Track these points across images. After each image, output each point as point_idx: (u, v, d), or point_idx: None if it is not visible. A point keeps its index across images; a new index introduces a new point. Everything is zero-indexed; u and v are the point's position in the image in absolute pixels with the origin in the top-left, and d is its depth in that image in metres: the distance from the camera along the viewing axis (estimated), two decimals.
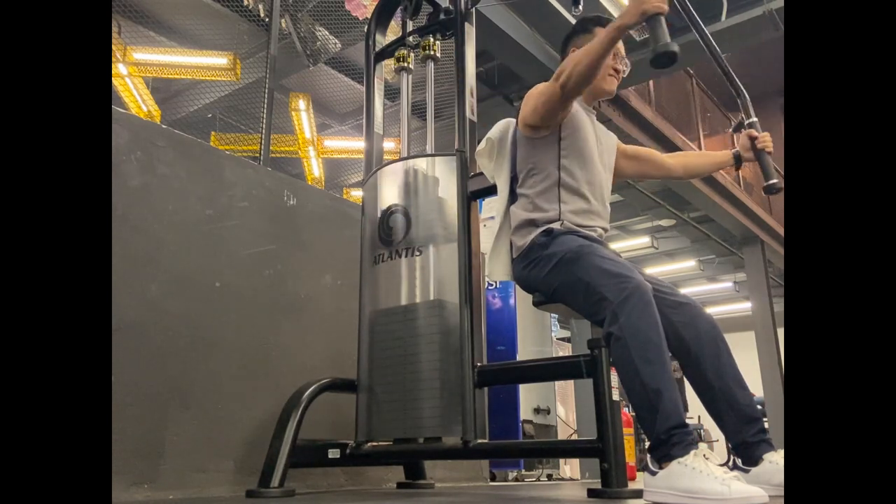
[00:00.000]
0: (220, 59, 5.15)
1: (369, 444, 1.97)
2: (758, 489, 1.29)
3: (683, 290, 2.76)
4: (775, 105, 12.15)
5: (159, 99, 5.71)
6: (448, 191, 2.00)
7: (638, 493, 1.49)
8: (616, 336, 1.49)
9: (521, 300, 4.90)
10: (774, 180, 1.91)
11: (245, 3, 4.67)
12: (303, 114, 5.87)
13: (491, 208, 2.02)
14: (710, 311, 3.03)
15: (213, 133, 5.85)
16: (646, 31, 1.55)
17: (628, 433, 4.57)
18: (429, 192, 2.05)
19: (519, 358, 4.62)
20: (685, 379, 1.75)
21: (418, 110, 3.80)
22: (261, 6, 4.65)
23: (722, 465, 1.38)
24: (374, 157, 2.34)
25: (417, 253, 1.96)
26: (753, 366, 8.38)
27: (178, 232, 2.05)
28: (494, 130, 1.97)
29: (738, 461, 1.64)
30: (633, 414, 3.88)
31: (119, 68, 4.95)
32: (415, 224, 2.00)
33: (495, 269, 1.89)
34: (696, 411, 6.64)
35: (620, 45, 1.88)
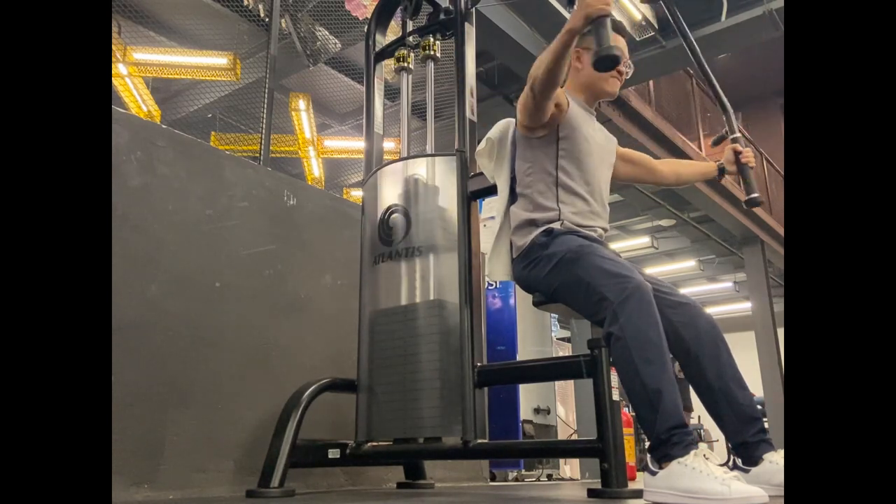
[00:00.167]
0: (220, 59, 5.15)
1: (369, 444, 1.97)
2: (758, 489, 1.30)
3: (683, 290, 2.76)
4: (775, 105, 12.15)
5: (159, 99, 5.71)
6: (448, 191, 2.00)
7: (638, 493, 1.49)
8: (616, 336, 1.49)
9: (521, 300, 4.90)
10: (756, 194, 1.99)
11: (245, 3, 4.67)
12: (303, 114, 5.87)
13: (491, 208, 2.02)
14: (710, 311, 3.03)
15: (213, 133, 5.85)
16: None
17: (628, 433, 4.56)
18: (429, 193, 2.05)
19: (519, 358, 4.62)
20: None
21: (418, 110, 3.79)
22: (261, 6, 4.65)
23: (722, 465, 1.38)
24: (374, 157, 2.34)
25: (417, 253, 1.96)
26: (753, 366, 8.38)
27: (178, 232, 2.05)
28: (494, 130, 1.97)
29: (738, 461, 1.64)
30: (633, 414, 3.88)
31: (119, 68, 4.95)
32: (415, 224, 2.00)
33: (495, 269, 1.89)
34: (696, 411, 6.64)
35: (624, 47, 1.88)
